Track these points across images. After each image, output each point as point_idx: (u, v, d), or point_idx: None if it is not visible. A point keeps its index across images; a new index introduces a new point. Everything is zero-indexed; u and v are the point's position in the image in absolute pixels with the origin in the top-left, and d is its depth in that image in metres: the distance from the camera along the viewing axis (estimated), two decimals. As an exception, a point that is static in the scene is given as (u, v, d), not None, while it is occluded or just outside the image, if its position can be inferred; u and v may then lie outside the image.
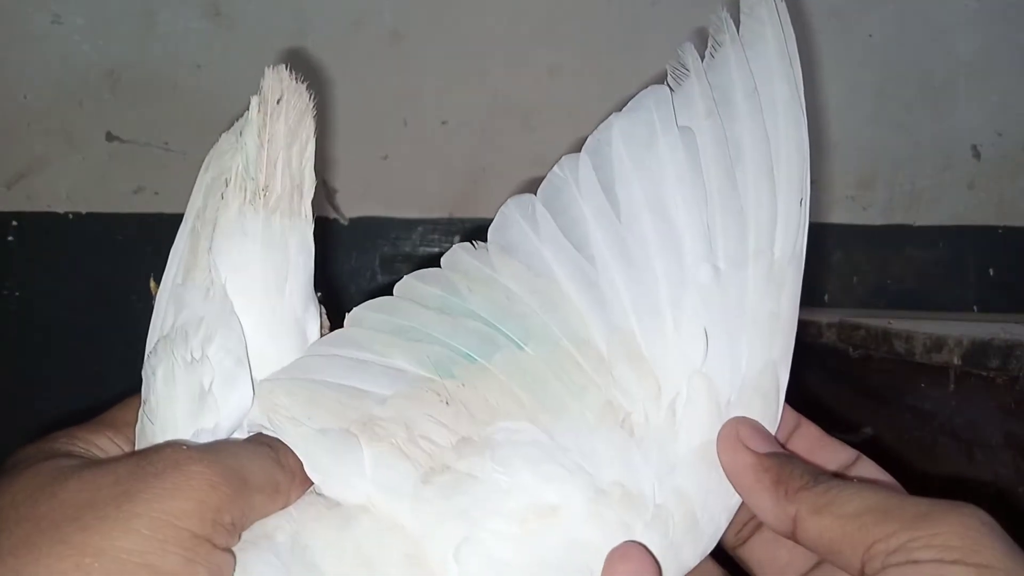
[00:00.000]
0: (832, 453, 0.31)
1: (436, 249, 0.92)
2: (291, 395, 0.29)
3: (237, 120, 0.32)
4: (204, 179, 0.32)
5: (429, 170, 0.91)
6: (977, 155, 0.97)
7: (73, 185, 0.87)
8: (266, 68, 0.30)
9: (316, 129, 0.31)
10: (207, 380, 0.28)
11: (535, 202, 0.31)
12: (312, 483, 0.28)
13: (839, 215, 0.96)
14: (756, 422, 0.29)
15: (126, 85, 0.87)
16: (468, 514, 0.27)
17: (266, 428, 0.29)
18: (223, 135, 0.32)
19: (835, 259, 0.96)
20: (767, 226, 0.30)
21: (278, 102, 0.30)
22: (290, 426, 0.28)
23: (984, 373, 0.56)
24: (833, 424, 0.76)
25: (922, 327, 0.61)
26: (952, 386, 0.60)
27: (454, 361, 0.29)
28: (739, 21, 0.32)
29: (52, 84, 0.86)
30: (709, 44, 0.32)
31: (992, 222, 0.98)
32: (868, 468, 0.30)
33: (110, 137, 0.87)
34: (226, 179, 0.30)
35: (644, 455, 0.28)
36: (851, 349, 0.71)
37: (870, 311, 0.89)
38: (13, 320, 0.87)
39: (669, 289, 0.29)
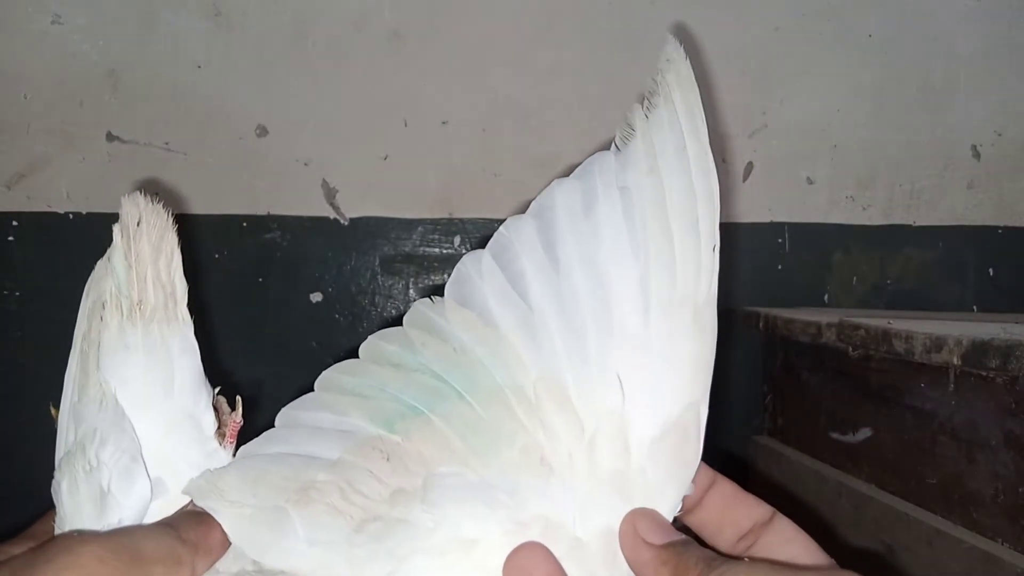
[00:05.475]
0: (747, 509, 0.32)
1: (436, 249, 0.92)
2: (239, 475, 0.31)
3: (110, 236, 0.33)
4: (86, 304, 0.34)
5: (429, 170, 0.91)
6: (977, 155, 0.97)
7: (73, 185, 0.87)
8: (121, 197, 0.33)
9: (179, 240, 0.33)
10: (105, 481, 0.30)
11: (485, 256, 0.33)
12: (221, 553, 0.30)
13: (839, 215, 0.96)
14: (653, 513, 0.30)
15: (126, 85, 0.87)
16: (394, 553, 0.29)
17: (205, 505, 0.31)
18: (98, 262, 0.34)
19: (835, 259, 0.96)
20: (692, 274, 0.32)
21: (138, 225, 0.33)
22: (228, 508, 0.30)
23: (984, 373, 0.56)
24: (833, 424, 0.76)
25: (922, 327, 0.61)
26: (952, 386, 0.60)
27: (402, 415, 0.32)
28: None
29: (52, 84, 0.86)
30: (644, 104, 0.34)
31: (992, 222, 0.98)
32: (784, 526, 0.31)
33: (110, 137, 0.88)
34: (103, 302, 0.33)
35: (566, 490, 0.30)
36: (851, 349, 0.71)
37: (870, 311, 0.89)
38: (13, 320, 0.87)
39: (597, 339, 0.32)
